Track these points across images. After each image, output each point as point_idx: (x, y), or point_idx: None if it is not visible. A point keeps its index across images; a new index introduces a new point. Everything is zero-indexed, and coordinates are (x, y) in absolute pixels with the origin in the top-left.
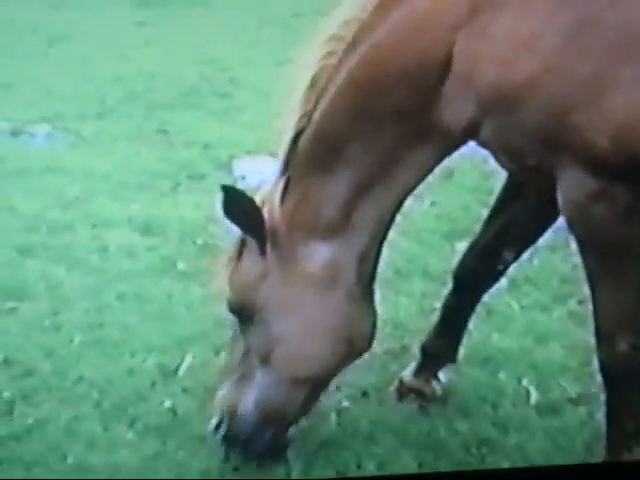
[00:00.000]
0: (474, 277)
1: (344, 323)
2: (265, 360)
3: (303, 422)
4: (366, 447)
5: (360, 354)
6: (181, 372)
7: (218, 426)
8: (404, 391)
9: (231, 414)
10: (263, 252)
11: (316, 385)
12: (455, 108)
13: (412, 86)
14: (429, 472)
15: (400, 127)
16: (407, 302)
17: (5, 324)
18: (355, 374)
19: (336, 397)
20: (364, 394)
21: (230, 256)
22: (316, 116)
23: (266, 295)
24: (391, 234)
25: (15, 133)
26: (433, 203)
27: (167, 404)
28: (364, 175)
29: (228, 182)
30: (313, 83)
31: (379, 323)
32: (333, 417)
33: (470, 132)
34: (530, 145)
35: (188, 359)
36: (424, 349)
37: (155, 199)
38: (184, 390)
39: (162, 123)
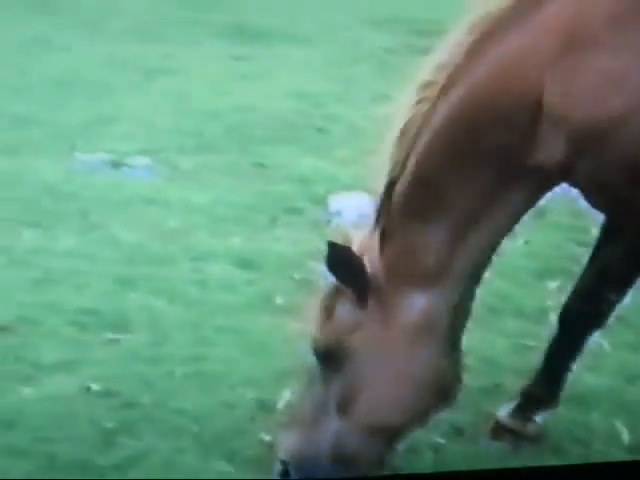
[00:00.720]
0: (579, 319)
1: (434, 375)
2: (345, 409)
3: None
4: None
5: (445, 406)
6: (279, 406)
7: (285, 472)
8: (500, 431)
9: (301, 461)
10: (363, 304)
11: (395, 435)
12: (548, 148)
13: (507, 126)
14: (429, 472)
15: (496, 169)
16: (500, 340)
17: (106, 355)
18: (449, 411)
19: (430, 434)
20: (458, 431)
21: (324, 302)
22: (410, 163)
23: (360, 344)
24: (485, 273)
25: (116, 165)
26: (526, 242)
27: (266, 438)
28: (462, 220)
29: (324, 217)
30: (405, 131)
31: (473, 361)
32: (429, 454)
33: (563, 172)
34: (622, 181)
35: (286, 394)
36: (525, 393)
37: (253, 233)
38: (283, 425)
39: (259, 157)
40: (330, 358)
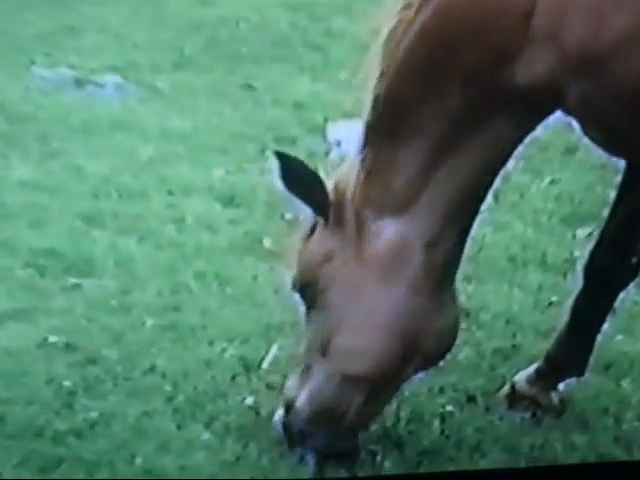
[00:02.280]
0: (606, 274)
1: (404, 318)
2: (324, 350)
3: (403, 428)
4: (471, 459)
5: (430, 360)
6: (265, 365)
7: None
8: (516, 398)
9: (289, 407)
10: (333, 232)
11: (374, 388)
12: (535, 68)
13: (487, 40)
14: (429, 472)
15: (474, 89)
16: (521, 295)
17: (68, 303)
18: (460, 375)
19: (439, 401)
20: (470, 399)
21: (302, 236)
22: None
23: (328, 276)
24: (505, 216)
25: (80, 83)
26: (553, 181)
27: (249, 401)
28: (435, 145)
29: (321, 148)
30: (390, 38)
31: (488, 318)
32: (436, 423)
33: (554, 97)
34: (621, 110)
35: (274, 350)
36: (548, 358)
37: (239, 165)
38: (269, 386)
39: (248, 77)
40: (307, 294)
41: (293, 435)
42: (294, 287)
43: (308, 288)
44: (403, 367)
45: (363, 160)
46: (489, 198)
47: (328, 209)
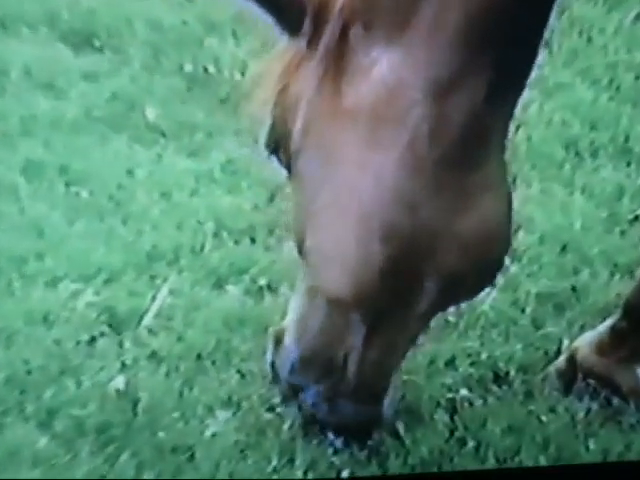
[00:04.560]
0: None
1: (401, 208)
2: (301, 252)
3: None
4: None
5: (456, 283)
6: (148, 320)
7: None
8: (578, 376)
9: (278, 340)
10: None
11: (373, 319)
12: None
13: None
14: (429, 472)
15: None
16: (586, 204)
17: None
18: (483, 338)
19: (447, 381)
20: (498, 378)
21: (284, 65)
22: None
23: (300, 133)
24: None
25: None
26: None
27: (118, 383)
28: None
29: None
30: None
31: (532, 242)
32: (441, 419)
33: None
34: None
35: (162, 295)
36: (630, 310)
37: None
38: (154, 357)
39: None
40: (281, 158)
41: (282, 386)
42: (267, 145)
43: (280, 147)
44: (405, 289)
45: None
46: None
47: (302, 22)
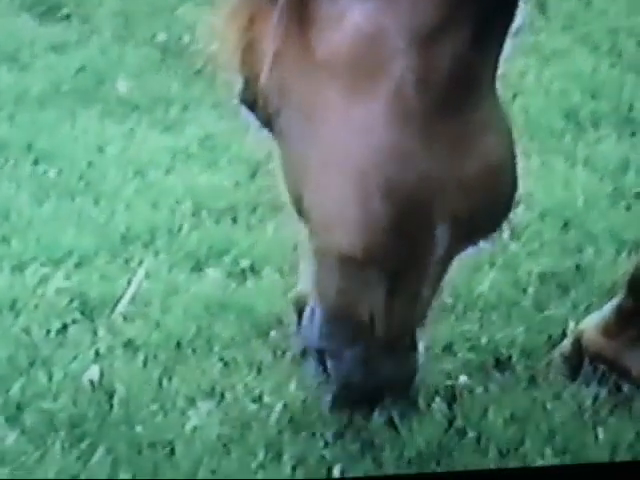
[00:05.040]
0: None
1: (380, 156)
2: (301, 212)
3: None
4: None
5: (462, 227)
6: (123, 306)
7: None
8: (584, 360)
9: (301, 305)
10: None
11: (388, 272)
12: None
13: None
14: (429, 472)
15: None
16: (589, 177)
17: None
18: (482, 321)
19: (444, 367)
20: (499, 363)
21: (244, 19)
22: None
23: (277, 89)
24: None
25: None
26: None
27: (92, 375)
28: None
29: None
30: None
31: (532, 218)
32: (439, 408)
33: None
34: None
35: (138, 279)
36: (636, 288)
37: None
38: (130, 346)
39: None
40: (259, 115)
41: (310, 354)
42: (242, 101)
43: (257, 105)
44: (417, 239)
45: None
46: None
47: None
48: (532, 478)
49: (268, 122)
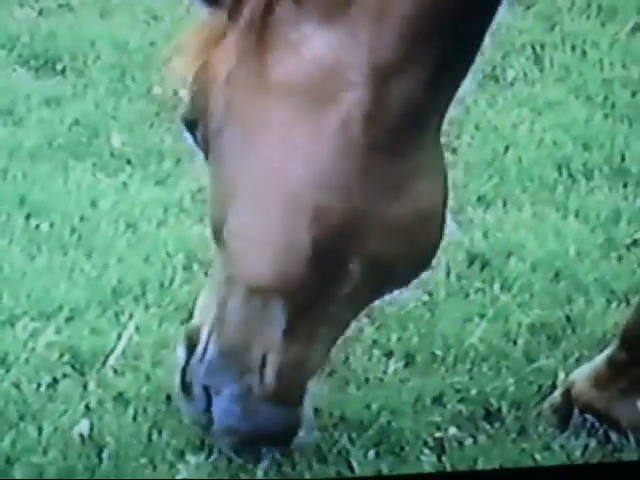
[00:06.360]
0: None
1: (331, 190)
2: (218, 239)
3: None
4: None
5: (384, 268)
6: (114, 359)
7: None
8: (575, 411)
9: (192, 341)
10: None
11: (297, 307)
12: None
13: None
14: (429, 472)
15: None
16: (579, 227)
17: None
18: (472, 373)
19: (434, 419)
20: (489, 414)
21: (206, 36)
22: None
23: (221, 108)
24: (553, 91)
25: None
26: None
27: (81, 428)
28: None
29: None
30: None
31: (523, 269)
32: (428, 460)
33: None
34: None
35: (128, 333)
36: (628, 340)
37: None
38: (120, 400)
39: None
40: (198, 135)
41: (195, 390)
42: (184, 121)
43: (199, 125)
44: (330, 275)
45: None
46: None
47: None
48: (532, 478)
49: (206, 142)
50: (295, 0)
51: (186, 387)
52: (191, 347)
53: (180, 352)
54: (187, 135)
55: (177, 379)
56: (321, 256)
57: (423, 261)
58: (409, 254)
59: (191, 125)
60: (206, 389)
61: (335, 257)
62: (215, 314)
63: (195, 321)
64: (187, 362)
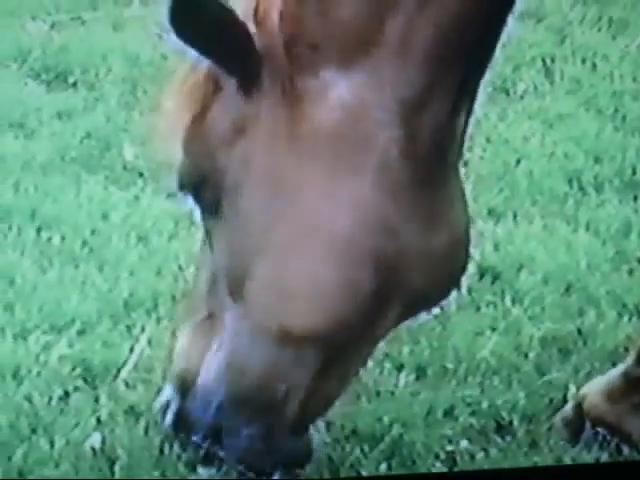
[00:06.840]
0: None
1: (368, 233)
2: (237, 292)
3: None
4: None
5: (417, 301)
6: (126, 372)
7: (170, 403)
8: (586, 425)
9: (186, 387)
10: (249, 91)
11: (329, 351)
12: None
13: None
14: (429, 472)
15: None
16: (591, 241)
17: None
18: (483, 386)
19: (445, 432)
20: (500, 428)
21: (194, 94)
22: None
23: (240, 164)
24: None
25: None
26: None
27: (94, 441)
28: None
29: None
30: None
31: (533, 282)
32: (439, 468)
33: None
34: None
35: (141, 345)
36: (627, 375)
37: None
38: (131, 412)
39: None
40: (205, 195)
41: (194, 431)
42: (182, 186)
43: (207, 184)
44: (373, 315)
45: None
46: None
47: (256, 64)
48: (532, 478)
49: (217, 201)
50: (312, 47)
51: (181, 427)
52: (184, 389)
53: (169, 392)
54: (184, 197)
55: (169, 419)
56: (372, 299)
57: (455, 283)
58: (444, 280)
59: (194, 186)
60: (214, 430)
61: (383, 298)
62: (227, 357)
63: (181, 365)
64: (182, 403)
